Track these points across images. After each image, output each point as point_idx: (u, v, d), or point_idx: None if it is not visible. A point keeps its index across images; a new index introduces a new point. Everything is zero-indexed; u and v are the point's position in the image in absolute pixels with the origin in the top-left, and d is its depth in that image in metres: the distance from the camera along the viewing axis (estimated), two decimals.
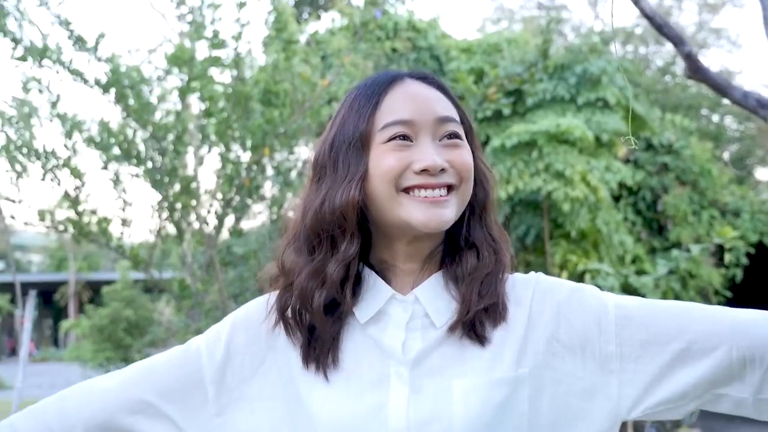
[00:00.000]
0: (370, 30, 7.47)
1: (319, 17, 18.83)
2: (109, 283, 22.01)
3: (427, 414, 1.18)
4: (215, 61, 6.07)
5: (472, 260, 1.26)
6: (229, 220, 6.46)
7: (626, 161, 8.42)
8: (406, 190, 1.22)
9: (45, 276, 37.76)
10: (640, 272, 7.82)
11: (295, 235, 1.30)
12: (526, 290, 1.28)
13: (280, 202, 7.39)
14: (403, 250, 1.28)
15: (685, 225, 8.32)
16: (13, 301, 30.68)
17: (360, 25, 6.72)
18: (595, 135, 7.41)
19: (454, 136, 1.26)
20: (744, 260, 8.41)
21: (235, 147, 6.36)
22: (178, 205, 6.25)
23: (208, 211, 6.43)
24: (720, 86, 3.23)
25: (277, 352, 1.29)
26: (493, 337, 1.23)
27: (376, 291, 1.27)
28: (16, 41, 5.11)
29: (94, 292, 30.56)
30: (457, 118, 1.28)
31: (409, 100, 1.26)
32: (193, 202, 6.29)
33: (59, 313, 35.54)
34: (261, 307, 1.33)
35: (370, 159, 1.24)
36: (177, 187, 6.19)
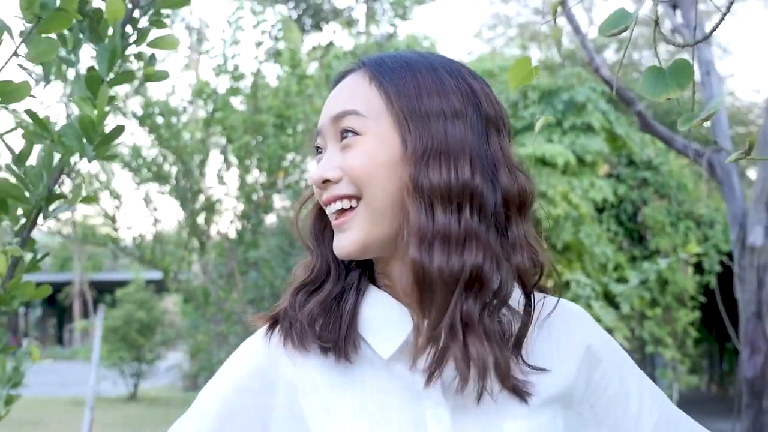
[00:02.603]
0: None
1: (320, 29, 19.46)
2: (112, 283, 22.56)
3: None
4: (235, 92, 6.79)
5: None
6: (247, 234, 7.17)
7: (609, 176, 9.15)
8: None
9: (49, 276, 38.25)
10: (622, 279, 8.55)
11: None
12: (579, 331, 1.11)
13: (290, 216, 8.09)
14: (383, 269, 1.07)
15: (663, 235, 9.04)
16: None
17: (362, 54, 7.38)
18: (579, 156, 8.19)
19: (347, 133, 1.02)
20: (717, 268, 9.13)
21: (253, 168, 7.08)
22: (201, 220, 6.96)
23: (227, 227, 7.15)
24: (665, 138, 3.92)
25: (282, 410, 1.06)
26: (537, 387, 1.04)
27: (390, 315, 1.03)
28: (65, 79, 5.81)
29: (98, 292, 31.10)
30: (360, 107, 1.02)
31: (325, 105, 1.08)
32: (216, 218, 7.00)
33: (63, 313, 36.01)
34: (258, 362, 1.08)
35: None
36: (200, 204, 6.90)
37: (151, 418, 13.06)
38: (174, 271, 6.77)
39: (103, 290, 29.51)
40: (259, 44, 6.63)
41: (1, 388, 1.95)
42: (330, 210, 1.03)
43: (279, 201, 8.15)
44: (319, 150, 1.07)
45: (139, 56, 1.85)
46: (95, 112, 1.67)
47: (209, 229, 7.14)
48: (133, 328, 14.81)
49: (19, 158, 1.68)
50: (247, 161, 6.82)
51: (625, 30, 1.51)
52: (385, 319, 1.03)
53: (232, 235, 7.06)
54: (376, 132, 1.00)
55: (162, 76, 1.90)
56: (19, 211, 1.75)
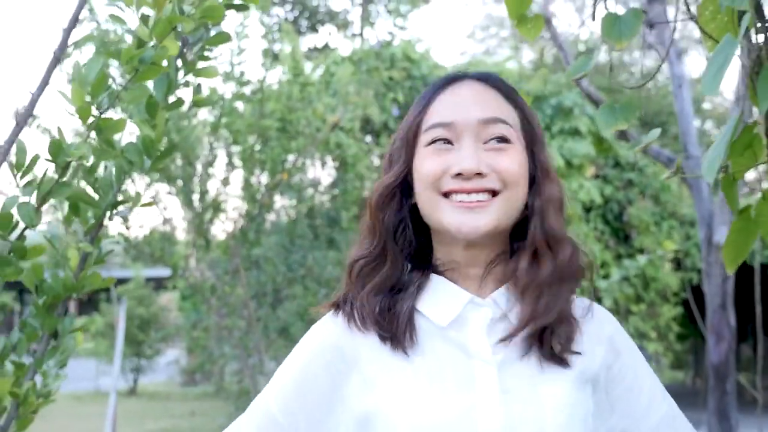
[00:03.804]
0: (370, 65, 8.46)
1: (316, 30, 19.78)
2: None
3: (520, 416, 1.15)
4: (240, 97, 7.13)
5: (530, 270, 1.21)
6: (251, 233, 7.51)
7: (596, 177, 9.54)
8: (446, 194, 1.19)
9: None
10: (607, 276, 8.94)
11: (361, 228, 1.30)
12: (606, 326, 1.28)
13: (291, 216, 8.44)
14: (461, 254, 1.22)
15: (647, 234, 9.44)
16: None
17: (361, 63, 7.72)
18: (567, 159, 8.58)
19: (500, 139, 1.20)
20: (700, 264, 9.53)
21: (256, 170, 7.42)
22: (207, 218, 7.30)
23: (233, 226, 7.48)
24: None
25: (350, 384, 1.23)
26: (572, 361, 1.21)
27: (449, 294, 1.22)
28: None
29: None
30: (509, 120, 1.21)
31: (455, 103, 1.22)
32: (221, 217, 7.34)
33: None
34: (327, 336, 1.26)
35: (415, 160, 1.23)
36: (206, 204, 7.24)
37: (151, 411, 13.38)
38: (182, 268, 7.11)
39: (99, 288, 29.61)
40: (266, 53, 6.98)
41: (52, 368, 2.28)
42: (468, 198, 1.18)
43: (279, 201, 8.49)
44: (445, 141, 1.21)
45: (186, 84, 2.20)
46: (154, 132, 2.02)
47: (212, 227, 7.47)
48: (133, 324, 15.12)
49: (90, 171, 2.03)
50: (251, 163, 7.16)
51: (586, 75, 1.90)
52: (444, 297, 1.22)
53: (237, 233, 7.39)
54: (518, 145, 1.22)
55: (207, 102, 2.26)
56: (89, 214, 2.08)
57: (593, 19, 1.97)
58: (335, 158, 8.92)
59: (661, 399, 1.29)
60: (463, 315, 1.21)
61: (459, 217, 1.17)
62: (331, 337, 1.25)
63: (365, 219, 1.27)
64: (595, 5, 1.90)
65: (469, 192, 1.17)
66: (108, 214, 2.08)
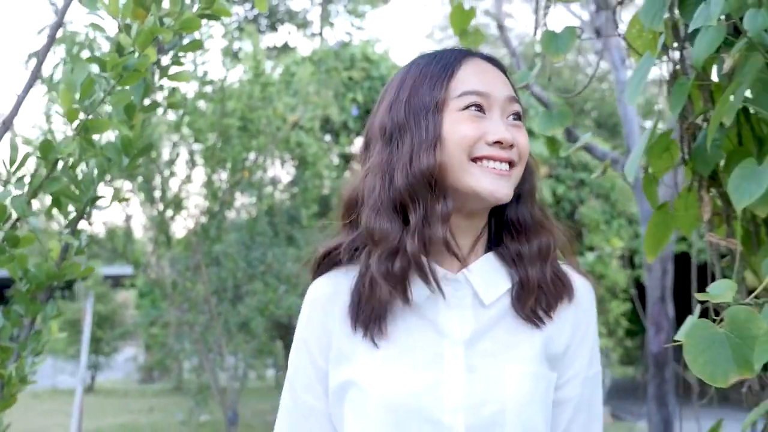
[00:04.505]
0: (329, 65, 8.62)
1: (276, 29, 19.87)
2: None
3: (482, 394, 1.19)
4: (203, 96, 7.26)
5: (525, 244, 1.28)
6: (212, 230, 7.64)
7: (549, 177, 9.82)
8: (475, 160, 1.22)
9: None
10: None
11: (380, 199, 1.25)
12: (584, 301, 1.31)
13: (252, 213, 8.57)
14: (457, 224, 1.26)
15: (597, 232, 9.74)
16: None
17: (321, 63, 7.89)
18: None
19: (517, 116, 1.27)
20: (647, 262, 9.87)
21: (218, 168, 7.55)
22: (168, 215, 7.41)
23: (194, 223, 7.61)
24: (588, 147, 4.55)
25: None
26: (545, 326, 1.25)
27: (426, 271, 1.23)
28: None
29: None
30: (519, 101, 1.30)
31: (483, 75, 1.27)
32: (183, 214, 7.46)
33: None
34: (314, 321, 1.32)
35: (444, 125, 1.23)
36: (168, 201, 7.35)
37: (110, 408, 13.37)
38: (144, 264, 7.22)
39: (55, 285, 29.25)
40: (226, 51, 7.11)
41: (29, 356, 2.42)
42: (501, 166, 1.23)
43: (240, 198, 8.62)
44: (479, 107, 1.25)
45: (160, 87, 2.37)
46: (131, 133, 2.18)
47: (174, 224, 7.58)
48: (92, 320, 15.05)
49: (72, 167, 2.18)
50: (213, 161, 7.29)
51: (527, 86, 2.11)
52: (421, 279, 1.23)
53: (198, 230, 7.51)
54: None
55: (179, 105, 2.43)
56: (70, 208, 2.22)
57: (534, 35, 2.19)
58: (295, 157, 9.08)
59: (581, 382, 1.28)
60: (435, 291, 1.24)
61: (493, 183, 1.21)
62: (318, 323, 1.31)
63: (380, 190, 1.25)
64: (536, 27, 2.12)
65: (502, 160, 1.22)
66: (88, 207, 2.23)
